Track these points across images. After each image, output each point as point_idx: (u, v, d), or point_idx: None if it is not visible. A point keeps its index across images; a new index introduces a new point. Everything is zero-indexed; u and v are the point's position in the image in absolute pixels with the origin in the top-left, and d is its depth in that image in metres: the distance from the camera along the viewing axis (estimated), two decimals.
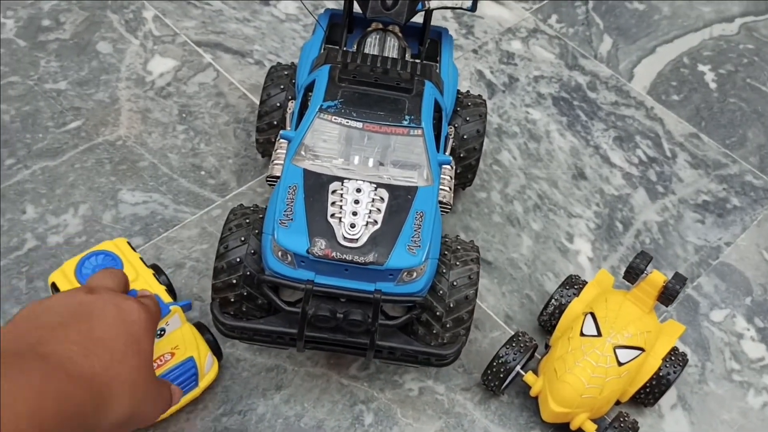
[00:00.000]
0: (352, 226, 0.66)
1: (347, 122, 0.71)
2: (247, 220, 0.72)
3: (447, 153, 0.81)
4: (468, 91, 0.89)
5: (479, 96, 0.88)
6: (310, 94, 0.76)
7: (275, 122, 0.84)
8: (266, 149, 0.87)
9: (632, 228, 0.93)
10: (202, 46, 1.05)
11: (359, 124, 0.71)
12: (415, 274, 0.66)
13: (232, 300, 0.70)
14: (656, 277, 0.75)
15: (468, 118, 0.84)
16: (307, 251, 0.65)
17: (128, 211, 0.87)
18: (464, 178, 0.87)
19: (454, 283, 0.70)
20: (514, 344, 0.74)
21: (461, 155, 0.84)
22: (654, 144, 1.02)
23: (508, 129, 1.01)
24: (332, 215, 0.66)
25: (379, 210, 0.67)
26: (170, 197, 0.89)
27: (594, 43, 1.14)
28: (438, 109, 0.76)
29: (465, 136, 0.83)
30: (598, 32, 1.16)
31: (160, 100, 0.98)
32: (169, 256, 0.83)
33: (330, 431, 0.73)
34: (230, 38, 1.07)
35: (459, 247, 0.73)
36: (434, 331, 0.70)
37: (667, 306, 0.76)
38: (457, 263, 0.71)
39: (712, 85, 1.11)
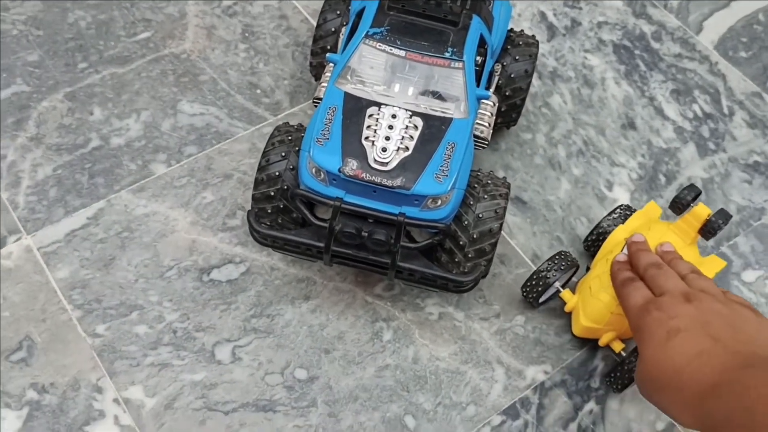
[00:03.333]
0: (384, 150, 0.68)
1: (391, 49, 0.73)
2: (290, 137, 0.75)
3: (491, 89, 0.83)
4: (522, 31, 0.89)
5: (532, 36, 0.88)
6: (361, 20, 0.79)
7: (329, 47, 0.87)
8: (319, 73, 0.90)
9: (675, 182, 0.92)
10: None
11: (402, 53, 0.73)
12: (439, 202, 0.69)
13: (269, 211, 0.75)
14: (701, 210, 0.75)
15: (517, 57, 0.85)
16: (339, 170, 0.68)
17: (186, 121, 0.92)
18: (508, 117, 0.88)
19: (480, 215, 0.72)
20: (556, 260, 0.76)
21: (507, 94, 0.85)
22: (712, 100, 1.00)
23: (563, 73, 1.00)
24: (366, 138, 0.69)
25: (411, 137, 0.70)
26: (225, 111, 0.93)
27: None
28: (483, 44, 0.77)
29: (512, 75, 0.84)
30: None
31: (226, 18, 1.02)
32: (219, 166, 0.88)
33: (350, 342, 0.78)
34: None
35: (489, 181, 0.75)
36: (456, 260, 0.73)
37: (707, 240, 0.76)
38: (486, 196, 0.73)
39: None
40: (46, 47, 0.96)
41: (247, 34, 1.01)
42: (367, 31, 0.74)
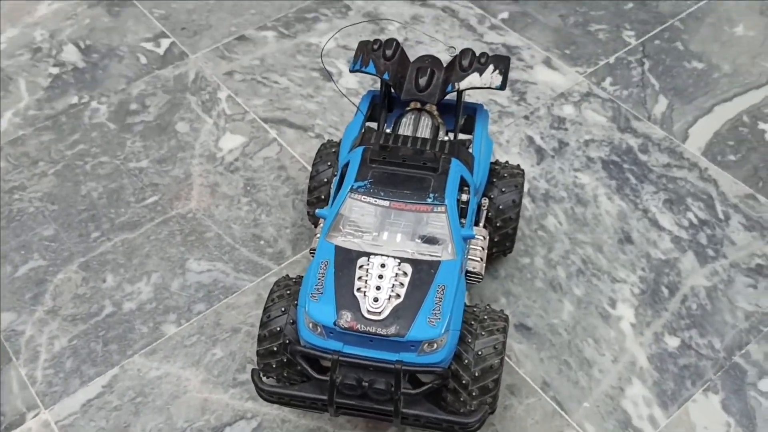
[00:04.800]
0: (376, 300, 0.70)
1: (375, 201, 0.76)
2: (288, 292, 0.78)
3: (481, 223, 0.85)
4: (506, 162, 0.92)
5: (517, 166, 0.91)
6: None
7: (323, 196, 0.91)
8: (316, 221, 0.94)
9: (678, 293, 0.92)
10: (268, 122, 1.14)
11: (387, 203, 0.76)
12: (435, 345, 0.70)
13: (275, 366, 0.77)
14: None
15: (504, 189, 0.88)
16: (334, 323, 0.70)
17: (194, 279, 0.95)
18: (503, 246, 0.90)
19: (480, 353, 0.73)
20: None
21: (498, 225, 0.87)
22: (706, 206, 1.01)
23: (555, 194, 1.03)
24: (358, 289, 0.72)
25: (402, 284, 0.72)
26: (231, 266, 0.97)
27: (648, 105, 1.15)
28: (465, 184, 0.80)
29: (501, 206, 0.87)
30: (654, 93, 1.16)
31: (228, 174, 1.07)
32: (227, 321, 0.91)
33: None
34: (294, 114, 1.16)
35: (486, 316, 0.76)
36: (461, 399, 0.73)
37: None
38: (483, 333, 0.74)
39: None
40: (61, 220, 1.02)
41: (248, 188, 1.06)
42: (352, 185, 0.77)
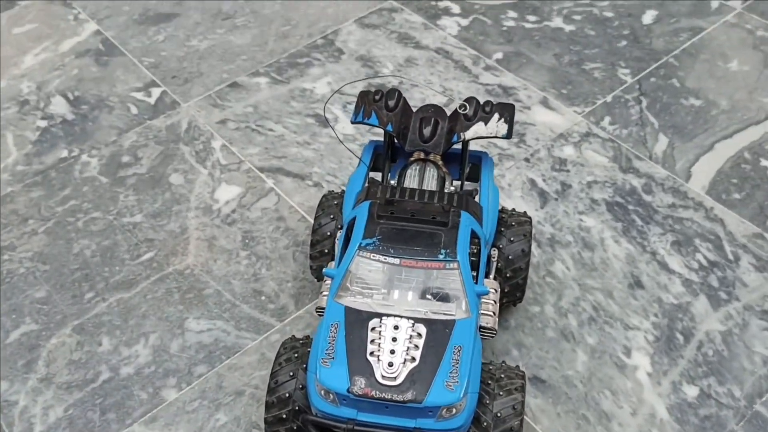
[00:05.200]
0: (390, 364, 0.68)
1: (385, 259, 0.74)
2: (296, 354, 0.75)
3: (491, 276, 0.83)
4: (513, 209, 0.90)
5: (524, 213, 0.89)
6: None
7: (326, 250, 0.88)
8: (320, 275, 0.91)
9: (694, 339, 0.90)
10: (264, 172, 1.12)
11: (397, 261, 0.74)
12: (454, 410, 0.67)
13: None
14: None
15: (512, 239, 0.85)
16: (348, 390, 0.67)
17: (194, 339, 0.92)
18: (513, 296, 0.88)
19: (498, 414, 0.70)
20: None
21: (508, 275, 0.85)
22: (715, 247, 1.00)
23: (561, 238, 1.01)
24: (371, 353, 0.69)
25: (417, 346, 0.69)
26: (232, 324, 0.93)
27: (649, 144, 1.13)
28: (476, 236, 0.78)
29: (510, 257, 0.85)
30: (653, 132, 1.15)
31: (226, 227, 1.05)
32: (230, 383, 0.87)
33: None
34: (291, 162, 1.13)
35: (503, 375, 0.73)
36: None
37: None
38: (501, 393, 0.71)
39: None
40: (53, 281, 0.98)
41: (247, 241, 1.03)
42: (360, 243, 0.75)
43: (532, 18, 1.36)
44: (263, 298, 0.96)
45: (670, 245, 1.00)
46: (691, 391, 0.85)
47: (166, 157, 1.15)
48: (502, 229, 0.86)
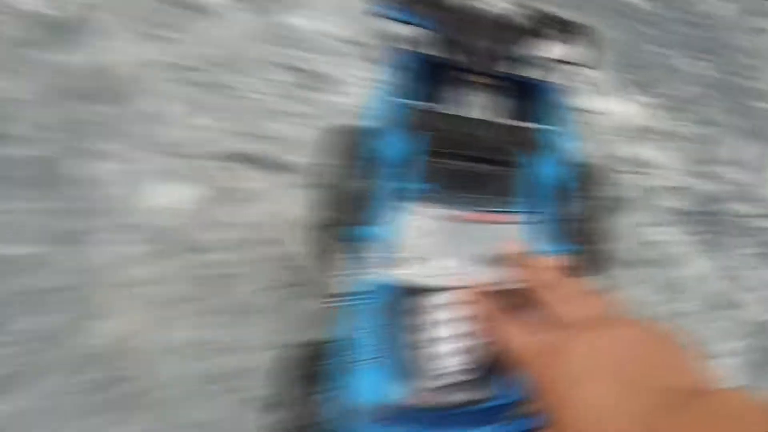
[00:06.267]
0: (455, 356, 0.46)
1: (445, 212, 0.52)
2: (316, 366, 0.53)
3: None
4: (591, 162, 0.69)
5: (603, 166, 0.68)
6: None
7: (344, 212, 0.65)
8: (330, 246, 0.68)
9: None
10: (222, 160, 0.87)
11: (458, 213, 0.52)
12: None
13: None
14: None
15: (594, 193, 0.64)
16: (402, 401, 0.45)
17: None
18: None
19: None
20: None
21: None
22: None
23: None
24: (429, 344, 0.47)
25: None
26: None
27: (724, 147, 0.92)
28: (557, 185, 0.57)
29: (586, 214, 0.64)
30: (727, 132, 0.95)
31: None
32: None
33: None
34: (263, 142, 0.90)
35: None
36: None
37: None
38: None
39: None
40: None
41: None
42: (408, 191, 0.53)
43: None
44: None
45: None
46: None
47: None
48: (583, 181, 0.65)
